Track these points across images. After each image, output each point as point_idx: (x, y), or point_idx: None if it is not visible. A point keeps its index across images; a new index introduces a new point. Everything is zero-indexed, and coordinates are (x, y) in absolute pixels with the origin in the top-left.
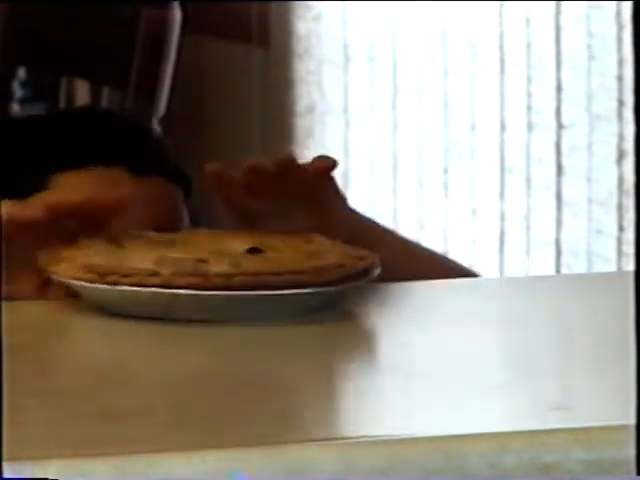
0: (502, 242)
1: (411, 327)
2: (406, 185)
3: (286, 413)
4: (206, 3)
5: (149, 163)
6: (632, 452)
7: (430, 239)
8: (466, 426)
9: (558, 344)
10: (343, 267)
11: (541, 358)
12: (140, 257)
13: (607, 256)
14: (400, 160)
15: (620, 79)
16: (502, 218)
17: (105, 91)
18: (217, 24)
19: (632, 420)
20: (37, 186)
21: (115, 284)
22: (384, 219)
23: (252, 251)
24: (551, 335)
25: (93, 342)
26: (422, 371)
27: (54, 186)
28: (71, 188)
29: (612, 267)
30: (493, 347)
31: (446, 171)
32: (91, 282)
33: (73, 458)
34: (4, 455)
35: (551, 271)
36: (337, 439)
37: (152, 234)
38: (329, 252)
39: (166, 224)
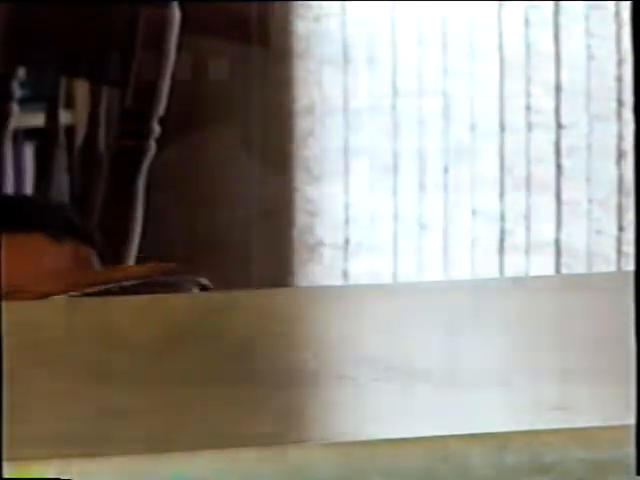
0: (502, 242)
1: (411, 327)
2: (406, 185)
3: (286, 413)
4: (206, 3)
5: (64, 229)
6: (632, 452)
7: (430, 239)
8: (466, 426)
9: (558, 344)
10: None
11: (541, 358)
12: None
13: (607, 256)
14: (400, 160)
15: (619, 79)
16: (502, 218)
17: (105, 91)
18: (217, 24)
19: (632, 420)
20: None
21: None
22: (384, 219)
23: None
24: (551, 335)
25: (93, 342)
26: (422, 371)
27: None
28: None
29: (612, 267)
30: (493, 347)
31: (446, 171)
32: None
33: (73, 458)
34: (4, 455)
35: (551, 271)
36: (337, 439)
37: None
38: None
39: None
